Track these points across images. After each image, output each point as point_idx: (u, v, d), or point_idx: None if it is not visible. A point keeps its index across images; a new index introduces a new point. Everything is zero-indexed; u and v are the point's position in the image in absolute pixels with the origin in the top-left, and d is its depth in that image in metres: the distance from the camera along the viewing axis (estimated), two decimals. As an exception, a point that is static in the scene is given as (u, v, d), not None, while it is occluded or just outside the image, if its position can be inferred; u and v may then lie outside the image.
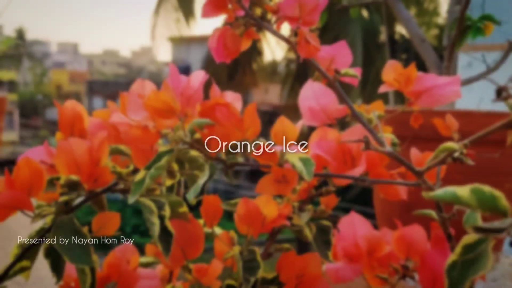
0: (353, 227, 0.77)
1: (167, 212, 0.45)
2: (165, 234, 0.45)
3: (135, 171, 0.48)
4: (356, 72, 0.43)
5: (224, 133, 0.41)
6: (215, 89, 0.48)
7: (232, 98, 0.47)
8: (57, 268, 0.43)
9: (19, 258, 0.43)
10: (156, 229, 0.43)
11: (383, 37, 9.52)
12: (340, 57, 0.45)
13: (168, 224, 0.45)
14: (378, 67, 8.98)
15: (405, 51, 8.78)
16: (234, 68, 10.12)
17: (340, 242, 0.74)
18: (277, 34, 0.43)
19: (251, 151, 0.42)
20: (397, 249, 0.76)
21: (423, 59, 1.10)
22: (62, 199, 0.43)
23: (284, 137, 0.41)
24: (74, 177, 0.45)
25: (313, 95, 0.67)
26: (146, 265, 0.67)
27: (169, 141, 0.43)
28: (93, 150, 0.41)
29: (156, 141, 0.43)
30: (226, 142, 0.41)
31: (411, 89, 0.59)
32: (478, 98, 1.18)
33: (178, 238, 0.50)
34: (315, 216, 0.53)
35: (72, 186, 0.44)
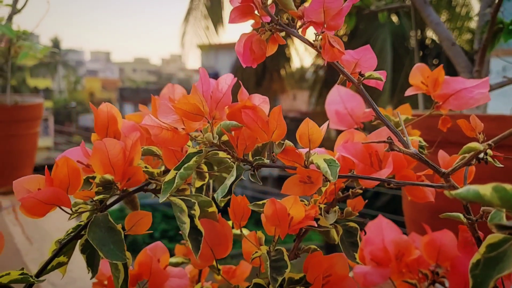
0: (381, 231, 0.77)
1: (196, 211, 0.47)
2: (195, 233, 0.46)
3: (166, 171, 0.50)
4: (381, 75, 0.43)
5: (250, 135, 0.42)
6: (243, 92, 0.49)
7: (260, 101, 0.48)
8: (92, 264, 0.45)
9: (56, 254, 0.45)
10: (186, 228, 0.45)
11: (412, 42, 9.39)
12: (365, 61, 0.45)
13: (198, 223, 0.46)
14: (407, 72, 8.84)
15: (437, 56, 8.63)
16: (262, 74, 10.15)
17: (368, 246, 0.74)
18: (302, 38, 0.44)
19: (277, 152, 0.43)
20: (426, 254, 0.75)
21: (453, 63, 1.08)
22: (98, 197, 0.45)
23: (309, 138, 0.42)
24: (108, 176, 0.47)
25: (340, 99, 0.68)
26: (176, 265, 0.68)
27: (198, 143, 0.45)
28: (126, 151, 0.43)
29: (185, 143, 0.44)
30: (252, 144, 0.42)
31: (438, 92, 0.59)
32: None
33: (207, 237, 0.51)
34: (341, 218, 0.53)
35: (107, 185, 0.46)
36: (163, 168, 0.52)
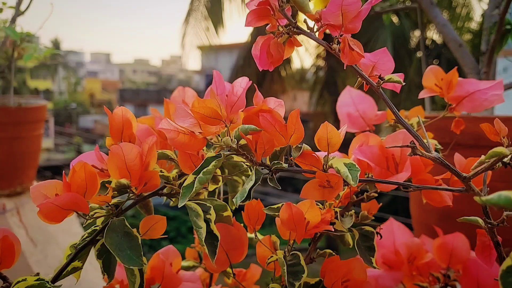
0: (392, 234, 0.76)
1: (212, 215, 0.46)
2: (211, 238, 0.46)
3: (181, 175, 0.50)
4: (400, 77, 0.43)
5: (269, 139, 0.42)
6: (258, 96, 0.49)
7: (275, 104, 0.48)
8: (108, 269, 0.44)
9: (72, 258, 0.45)
10: (203, 232, 0.44)
11: (413, 43, 9.39)
12: (382, 64, 0.45)
13: (214, 228, 0.46)
14: (409, 73, 8.85)
15: (437, 57, 8.62)
16: (262, 76, 10.15)
17: (380, 249, 0.73)
18: (319, 41, 0.43)
19: (295, 156, 0.43)
20: (438, 257, 0.75)
21: (459, 64, 1.08)
22: (114, 202, 0.44)
23: (328, 142, 0.42)
24: (123, 180, 0.47)
25: (352, 101, 0.68)
26: (187, 268, 0.68)
27: (214, 147, 0.44)
28: (143, 155, 0.43)
29: (202, 146, 0.44)
30: (271, 148, 0.42)
31: (452, 94, 0.59)
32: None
33: (223, 242, 0.51)
34: (357, 222, 0.53)
35: (122, 190, 0.46)
36: (175, 171, 0.52)
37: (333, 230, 0.48)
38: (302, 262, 0.47)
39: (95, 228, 0.46)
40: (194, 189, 0.40)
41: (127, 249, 0.43)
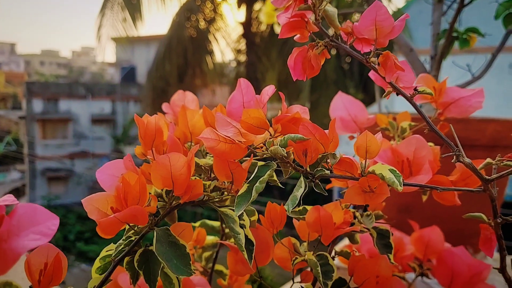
0: (344, 106, 0.77)
1: (246, 221, 0.47)
2: (247, 243, 0.47)
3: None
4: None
5: (316, 147, 0.44)
6: (284, 104, 0.50)
7: (302, 111, 0.50)
8: (149, 279, 0.44)
9: (112, 270, 0.44)
10: (242, 238, 0.45)
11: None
12: (403, 75, 0.49)
13: (249, 233, 0.47)
14: (325, 69, 9.23)
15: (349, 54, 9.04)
16: (184, 70, 10.04)
17: (364, 244, 0.78)
18: (354, 54, 0.46)
19: (333, 163, 0.45)
20: (415, 249, 0.81)
21: (412, 68, 1.16)
22: (160, 210, 0.44)
23: (366, 150, 0.45)
24: (159, 190, 0.46)
25: (343, 106, 0.71)
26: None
27: (257, 155, 0.46)
28: (189, 164, 0.43)
29: (243, 155, 0.45)
30: (316, 156, 0.44)
31: (441, 100, 0.64)
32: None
33: (252, 246, 0.52)
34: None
35: (159, 199, 0.46)
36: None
37: (359, 230, 0.51)
38: (331, 262, 0.50)
39: (131, 238, 0.45)
40: (252, 198, 0.41)
41: (173, 259, 0.43)
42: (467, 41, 1.08)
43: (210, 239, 0.72)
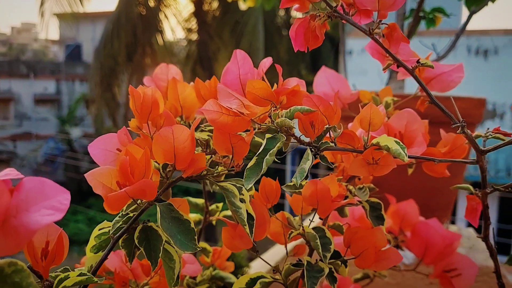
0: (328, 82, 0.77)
1: (246, 196, 0.47)
2: (248, 218, 0.46)
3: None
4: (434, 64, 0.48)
5: (322, 119, 0.43)
6: (281, 78, 0.50)
7: (299, 83, 0.49)
8: (150, 256, 0.42)
9: (111, 248, 0.42)
10: (243, 213, 0.45)
11: (279, 21, 9.79)
12: (402, 49, 0.49)
13: (250, 207, 0.46)
14: (278, 49, 9.24)
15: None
16: (134, 48, 9.74)
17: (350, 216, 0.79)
18: (357, 26, 0.46)
19: (336, 136, 0.45)
20: (392, 222, 0.83)
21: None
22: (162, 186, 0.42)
23: (370, 122, 0.45)
24: (157, 164, 0.44)
25: (327, 81, 0.71)
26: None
27: (259, 127, 0.45)
28: (192, 138, 0.41)
29: (246, 127, 0.44)
30: (321, 128, 0.43)
31: (423, 76, 0.66)
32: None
33: (250, 221, 0.51)
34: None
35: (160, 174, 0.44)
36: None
37: (355, 203, 0.52)
38: (328, 234, 0.50)
39: (131, 215, 0.43)
40: (262, 171, 0.40)
41: (177, 234, 0.41)
42: (433, 20, 1.11)
43: (193, 216, 0.70)
